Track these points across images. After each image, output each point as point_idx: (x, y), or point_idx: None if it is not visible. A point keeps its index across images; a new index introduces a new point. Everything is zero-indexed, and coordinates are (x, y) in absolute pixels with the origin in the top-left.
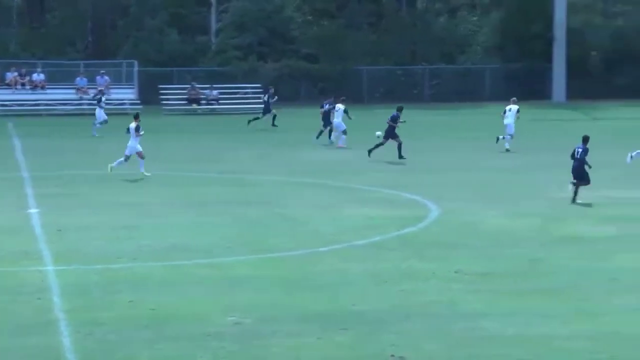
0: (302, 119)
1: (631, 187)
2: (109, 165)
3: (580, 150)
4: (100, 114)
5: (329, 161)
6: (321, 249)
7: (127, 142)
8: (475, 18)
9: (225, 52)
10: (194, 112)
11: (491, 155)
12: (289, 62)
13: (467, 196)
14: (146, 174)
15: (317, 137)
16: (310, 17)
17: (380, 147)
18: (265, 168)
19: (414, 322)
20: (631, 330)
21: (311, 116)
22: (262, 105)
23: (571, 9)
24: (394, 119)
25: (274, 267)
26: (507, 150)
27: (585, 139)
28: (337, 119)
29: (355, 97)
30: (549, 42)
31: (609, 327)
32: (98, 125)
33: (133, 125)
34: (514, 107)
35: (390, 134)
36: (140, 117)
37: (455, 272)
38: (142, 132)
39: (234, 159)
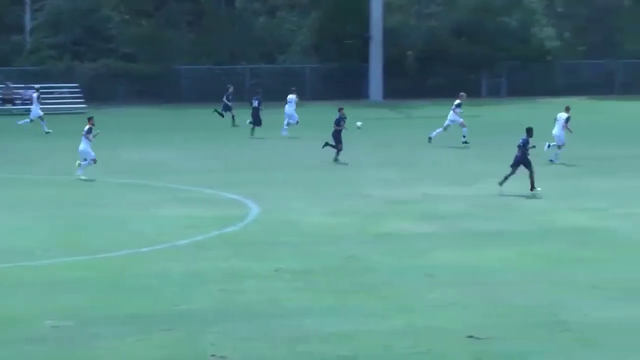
0: (120, 119)
1: (448, 184)
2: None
3: (521, 141)
4: None
5: (148, 161)
6: (143, 250)
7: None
8: (294, 18)
9: (39, 51)
10: (8, 113)
11: (315, 154)
12: (106, 61)
13: (288, 195)
14: (82, 177)
15: (252, 134)
16: (127, 16)
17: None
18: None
19: (236, 321)
20: (446, 324)
21: (129, 115)
22: (229, 110)
23: (387, 9)
24: (338, 122)
25: (95, 269)
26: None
27: (529, 130)
28: (290, 108)
29: (173, 97)
30: (365, 42)
31: (425, 321)
32: None
33: (87, 127)
34: (457, 102)
35: (338, 136)
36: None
37: (276, 270)
38: (93, 135)
39: (50, 160)
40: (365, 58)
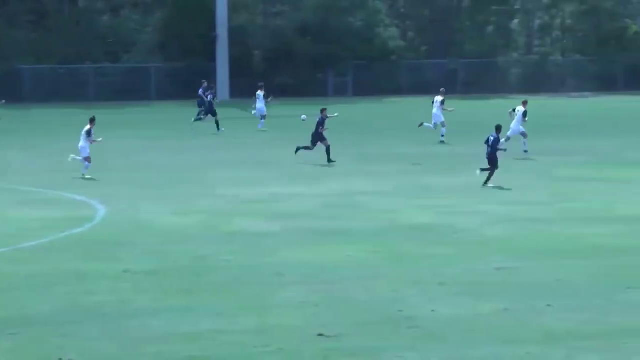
0: None
1: (297, 184)
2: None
3: (492, 138)
4: None
5: None
6: None
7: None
8: (138, 17)
9: None
10: None
11: (165, 154)
12: None
13: (136, 195)
14: (86, 176)
15: (218, 129)
16: None
17: (309, 151)
18: None
19: (84, 323)
20: (297, 322)
21: None
22: (203, 105)
23: (233, 8)
24: (321, 123)
25: None
26: (442, 141)
27: (498, 128)
28: (260, 104)
29: (15, 97)
30: (212, 41)
31: (276, 320)
32: None
33: (87, 128)
34: (439, 98)
35: (319, 138)
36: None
37: (124, 271)
38: (96, 139)
39: None
40: (211, 57)
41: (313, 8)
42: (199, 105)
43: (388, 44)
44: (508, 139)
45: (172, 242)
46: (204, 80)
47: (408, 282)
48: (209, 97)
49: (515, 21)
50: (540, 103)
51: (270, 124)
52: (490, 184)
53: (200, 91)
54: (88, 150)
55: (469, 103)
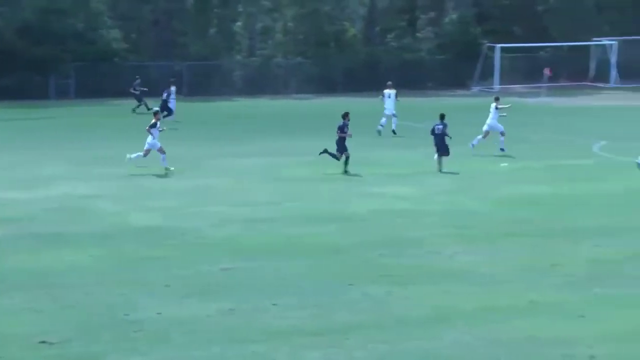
0: None
1: (19, 188)
2: (127, 156)
3: (440, 127)
4: None
5: None
6: None
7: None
8: None
9: None
10: None
11: None
12: None
13: None
14: (170, 168)
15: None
16: None
17: (334, 160)
18: None
19: None
20: (17, 330)
21: None
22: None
23: None
24: (342, 128)
25: None
26: (393, 132)
27: (442, 116)
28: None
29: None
30: None
31: None
32: None
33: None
34: (392, 92)
35: (341, 145)
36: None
37: None
38: (160, 129)
39: None
40: None
41: (32, 9)
42: (138, 100)
43: (111, 45)
44: (487, 134)
45: None
46: (137, 76)
47: (135, 286)
48: (164, 95)
49: (238, 24)
50: (264, 103)
51: None
52: (444, 169)
53: (164, 95)
54: (157, 144)
55: (195, 105)
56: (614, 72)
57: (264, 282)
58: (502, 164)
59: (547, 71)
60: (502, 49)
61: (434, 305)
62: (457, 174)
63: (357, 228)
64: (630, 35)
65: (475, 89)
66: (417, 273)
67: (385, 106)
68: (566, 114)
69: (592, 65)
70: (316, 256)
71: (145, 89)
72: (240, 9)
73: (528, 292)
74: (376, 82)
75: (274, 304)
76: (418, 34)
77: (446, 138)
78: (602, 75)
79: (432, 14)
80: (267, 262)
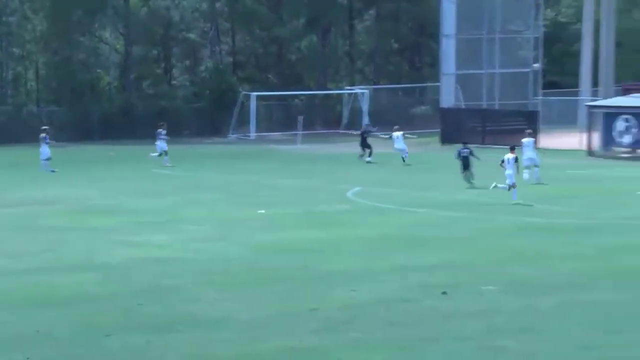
0: None
1: None
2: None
3: (465, 150)
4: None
5: None
6: None
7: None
8: None
9: None
10: None
11: None
12: None
13: None
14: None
15: None
16: None
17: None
18: None
19: None
20: None
21: None
22: None
23: None
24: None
25: None
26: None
27: (465, 143)
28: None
29: None
30: None
31: None
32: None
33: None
34: (400, 133)
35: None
36: None
37: None
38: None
39: None
40: None
41: None
42: None
43: None
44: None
45: None
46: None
47: None
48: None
49: None
50: (16, 152)
51: None
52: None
53: None
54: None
55: None
56: (366, 120)
57: (19, 336)
58: (259, 211)
59: (300, 119)
60: (258, 97)
61: (193, 354)
62: (215, 220)
63: (115, 277)
64: (380, 84)
65: (232, 137)
66: (177, 320)
67: (396, 146)
68: (321, 161)
69: (345, 113)
70: (73, 306)
71: None
72: None
73: (288, 338)
74: (132, 129)
75: (27, 358)
76: (174, 82)
77: (473, 158)
78: (355, 123)
79: (187, 62)
80: (24, 314)
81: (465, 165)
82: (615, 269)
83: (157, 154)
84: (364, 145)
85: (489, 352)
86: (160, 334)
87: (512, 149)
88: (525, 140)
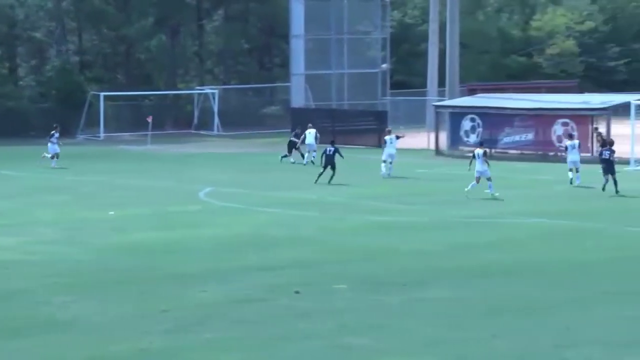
0: None
1: None
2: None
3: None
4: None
5: None
6: None
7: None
8: None
9: None
10: None
11: None
12: None
13: None
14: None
15: None
16: None
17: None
18: None
19: None
20: None
21: None
22: None
23: None
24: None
25: None
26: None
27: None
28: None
29: None
30: None
31: None
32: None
33: None
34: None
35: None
36: None
37: None
38: None
39: None
40: None
41: None
42: None
43: None
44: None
45: None
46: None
47: None
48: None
49: None
50: None
51: None
52: None
53: None
54: None
55: None
56: (216, 120)
57: None
58: (109, 212)
59: (149, 119)
60: (106, 97)
61: (43, 356)
62: (65, 222)
63: None
64: (230, 85)
65: (81, 137)
66: (27, 324)
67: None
68: (173, 161)
69: (196, 114)
70: None
71: None
72: None
73: (139, 340)
74: None
75: None
76: (20, 82)
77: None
78: (206, 123)
79: (33, 62)
80: None
81: (328, 163)
82: (462, 265)
83: (49, 154)
84: (292, 149)
85: (340, 350)
86: (8, 340)
87: (481, 144)
88: (387, 137)
